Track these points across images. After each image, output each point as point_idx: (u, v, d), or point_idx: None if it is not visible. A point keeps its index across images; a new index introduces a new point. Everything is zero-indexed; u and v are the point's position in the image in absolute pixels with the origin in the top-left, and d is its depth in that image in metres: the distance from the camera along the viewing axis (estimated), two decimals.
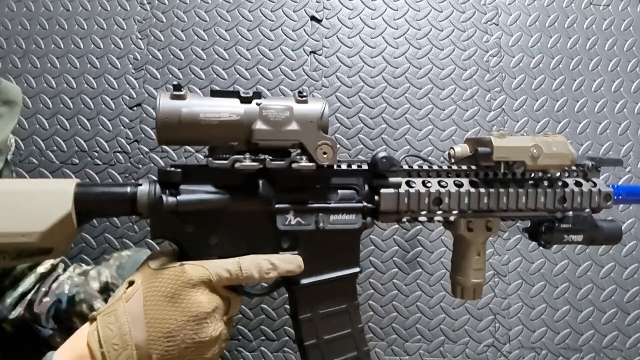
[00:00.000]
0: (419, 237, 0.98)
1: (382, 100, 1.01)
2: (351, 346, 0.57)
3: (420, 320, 0.96)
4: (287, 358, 0.95)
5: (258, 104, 0.50)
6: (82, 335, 0.47)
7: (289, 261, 0.52)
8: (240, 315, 0.95)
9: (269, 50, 1.02)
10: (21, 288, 0.72)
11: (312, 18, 1.03)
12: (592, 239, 0.62)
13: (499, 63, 1.03)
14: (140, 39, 1.01)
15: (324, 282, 0.55)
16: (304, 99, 0.51)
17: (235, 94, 0.50)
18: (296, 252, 0.54)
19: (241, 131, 0.49)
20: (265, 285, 0.57)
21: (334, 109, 1.00)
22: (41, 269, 0.74)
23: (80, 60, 1.01)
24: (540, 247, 0.63)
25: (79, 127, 0.98)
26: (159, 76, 1.00)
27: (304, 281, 0.54)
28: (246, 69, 1.01)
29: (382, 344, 0.96)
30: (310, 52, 1.02)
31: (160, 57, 1.01)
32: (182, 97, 0.48)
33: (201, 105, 0.48)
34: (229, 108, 0.49)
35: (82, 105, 0.99)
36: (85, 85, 1.00)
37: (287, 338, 0.95)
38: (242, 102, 0.50)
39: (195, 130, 0.48)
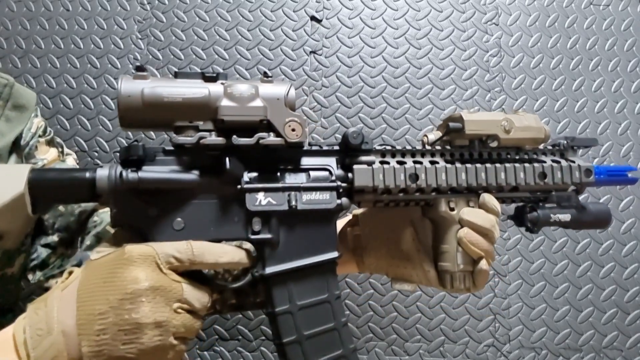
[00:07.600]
0: None
1: (382, 100, 1.01)
2: (336, 343, 0.52)
3: (420, 320, 0.96)
4: None
5: (222, 83, 0.49)
6: (13, 324, 0.44)
7: (239, 250, 0.50)
8: (240, 315, 0.95)
9: (269, 50, 1.01)
10: None
11: (312, 18, 1.03)
12: (579, 219, 0.59)
13: (499, 63, 1.03)
14: (140, 39, 1.01)
15: (301, 269, 0.52)
16: (269, 79, 0.51)
17: (199, 75, 0.50)
18: (269, 235, 0.51)
19: (206, 110, 0.49)
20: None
21: (334, 109, 1.00)
22: None
23: (80, 60, 1.01)
24: (527, 231, 0.61)
25: (79, 127, 0.98)
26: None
27: (279, 268, 0.51)
28: (246, 69, 1.01)
29: (382, 344, 0.96)
30: (310, 52, 1.02)
31: (160, 57, 1.01)
32: (144, 78, 0.48)
33: (164, 86, 0.48)
34: (193, 87, 0.49)
35: (82, 105, 0.99)
36: (85, 85, 1.00)
37: None
38: (206, 81, 0.49)
39: (159, 110, 0.47)
